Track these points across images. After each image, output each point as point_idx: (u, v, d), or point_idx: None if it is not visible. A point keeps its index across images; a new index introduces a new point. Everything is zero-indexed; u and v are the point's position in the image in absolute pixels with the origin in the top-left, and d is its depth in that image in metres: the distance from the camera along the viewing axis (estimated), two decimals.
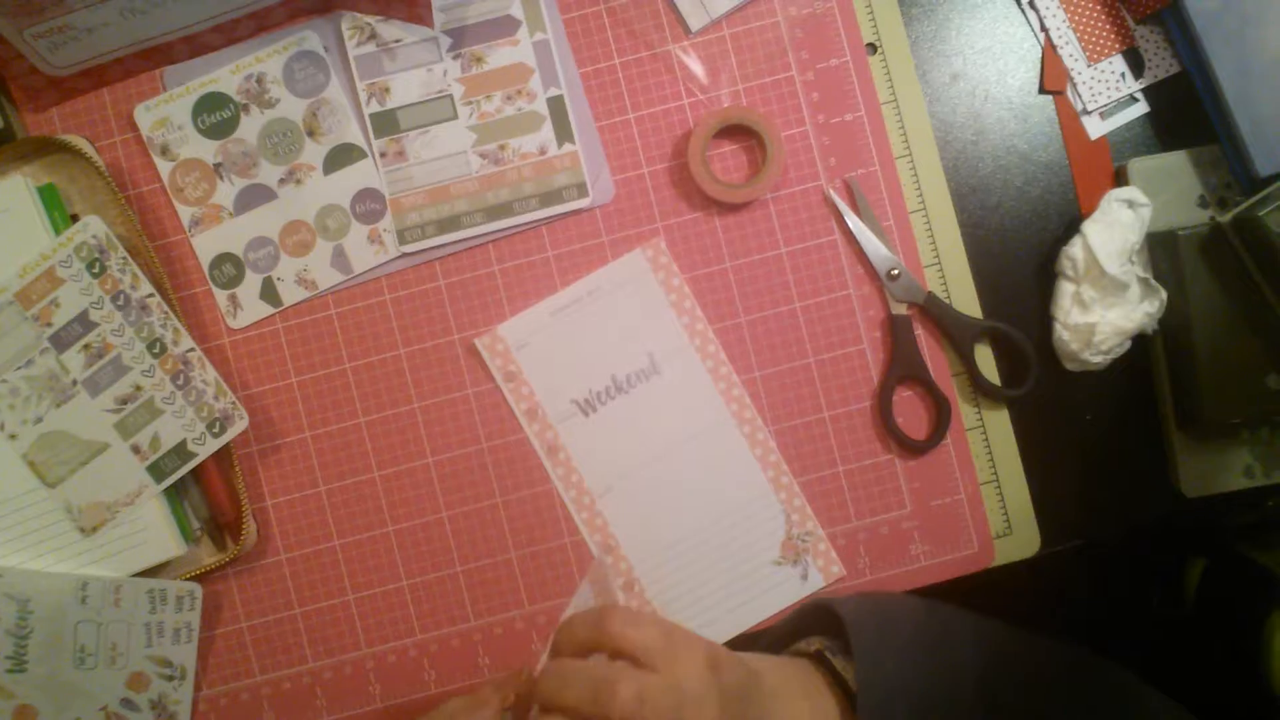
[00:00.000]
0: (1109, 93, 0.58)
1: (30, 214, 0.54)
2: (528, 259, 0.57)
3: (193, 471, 0.55)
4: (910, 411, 0.58)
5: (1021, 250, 0.58)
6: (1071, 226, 0.56)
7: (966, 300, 0.58)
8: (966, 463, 0.57)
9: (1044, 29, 0.58)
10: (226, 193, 0.57)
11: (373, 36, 0.56)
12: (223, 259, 0.57)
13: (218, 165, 0.57)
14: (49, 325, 0.53)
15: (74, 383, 0.54)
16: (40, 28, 0.51)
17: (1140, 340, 0.57)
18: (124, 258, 0.54)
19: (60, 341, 0.54)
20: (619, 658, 0.43)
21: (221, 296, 0.57)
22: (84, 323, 0.54)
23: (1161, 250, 0.56)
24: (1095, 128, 0.58)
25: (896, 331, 0.57)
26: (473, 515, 0.57)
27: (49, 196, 0.55)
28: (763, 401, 0.57)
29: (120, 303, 0.54)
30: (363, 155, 0.57)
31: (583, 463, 0.57)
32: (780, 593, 0.56)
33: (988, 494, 0.57)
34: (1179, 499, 0.57)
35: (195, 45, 0.57)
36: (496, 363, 0.57)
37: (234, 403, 0.55)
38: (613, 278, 0.57)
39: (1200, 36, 0.54)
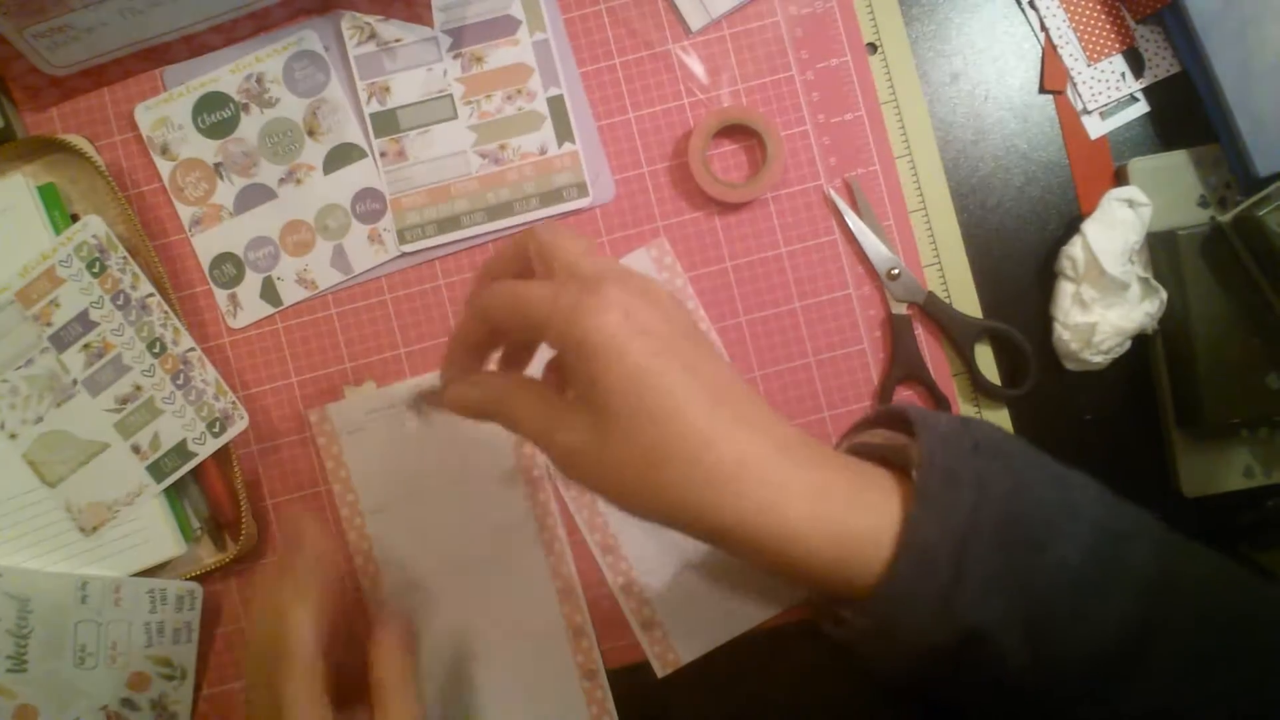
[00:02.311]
0: (1109, 92, 0.58)
1: (30, 213, 0.54)
2: None
3: (192, 471, 0.55)
4: None
5: (1021, 250, 0.58)
6: (1071, 226, 0.56)
7: (967, 300, 0.58)
8: None
9: (1044, 28, 0.58)
10: (226, 192, 0.57)
11: (373, 36, 0.56)
12: (223, 258, 0.57)
13: (218, 165, 0.57)
14: (49, 325, 0.53)
15: (74, 382, 0.54)
16: (40, 28, 0.51)
17: (1140, 340, 0.57)
18: (124, 257, 0.54)
19: (60, 341, 0.54)
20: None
21: (221, 296, 0.57)
22: (84, 322, 0.54)
23: (1162, 250, 0.56)
24: (1095, 127, 0.58)
25: (897, 331, 0.57)
26: None
27: (49, 196, 0.55)
28: None
29: (120, 302, 0.54)
30: (363, 155, 0.57)
31: None
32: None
33: None
34: (1179, 499, 0.57)
35: (195, 45, 0.57)
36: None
37: (234, 402, 0.55)
38: None
39: (1200, 36, 0.54)
